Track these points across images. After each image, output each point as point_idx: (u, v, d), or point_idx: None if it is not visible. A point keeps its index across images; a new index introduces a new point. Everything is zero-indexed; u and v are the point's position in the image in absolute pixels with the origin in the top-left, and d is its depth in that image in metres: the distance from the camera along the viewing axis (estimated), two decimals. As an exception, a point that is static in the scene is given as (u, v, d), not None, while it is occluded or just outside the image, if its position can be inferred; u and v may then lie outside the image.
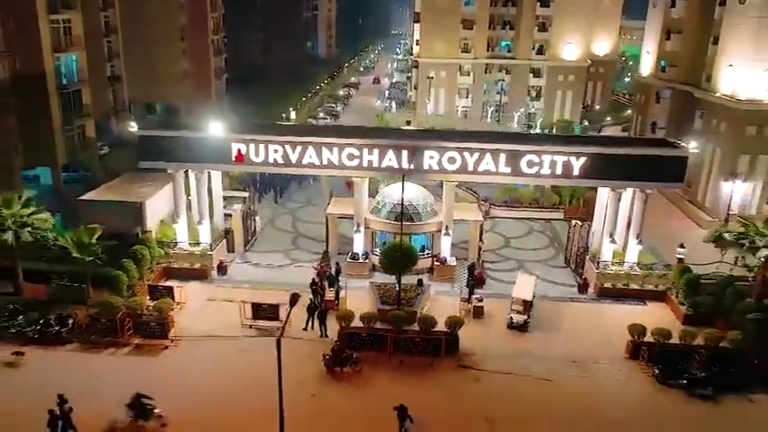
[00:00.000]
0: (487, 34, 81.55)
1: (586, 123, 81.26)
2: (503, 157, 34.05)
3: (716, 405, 26.91)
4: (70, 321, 30.63)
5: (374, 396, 26.88)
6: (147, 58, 77.68)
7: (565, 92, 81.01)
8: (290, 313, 20.90)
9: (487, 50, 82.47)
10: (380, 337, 29.92)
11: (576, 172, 34.16)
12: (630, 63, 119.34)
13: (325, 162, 34.98)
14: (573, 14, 78.19)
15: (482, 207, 42.36)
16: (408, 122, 55.13)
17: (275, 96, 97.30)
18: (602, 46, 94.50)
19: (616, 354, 30.13)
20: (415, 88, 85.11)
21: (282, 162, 35.28)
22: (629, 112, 78.95)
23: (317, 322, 31.02)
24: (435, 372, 28.68)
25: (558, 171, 34.20)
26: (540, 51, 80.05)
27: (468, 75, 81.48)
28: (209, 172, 37.55)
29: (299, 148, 34.79)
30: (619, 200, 35.52)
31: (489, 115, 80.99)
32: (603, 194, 36.74)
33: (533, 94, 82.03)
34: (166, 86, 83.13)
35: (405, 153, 34.38)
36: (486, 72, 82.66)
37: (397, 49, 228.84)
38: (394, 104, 71.76)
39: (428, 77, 75.37)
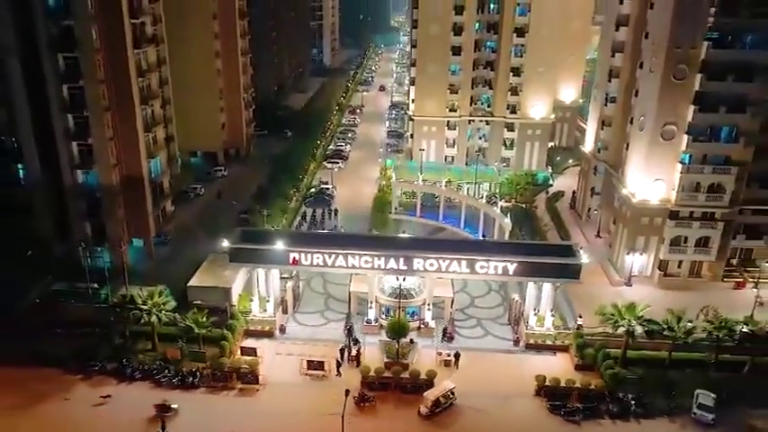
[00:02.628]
0: (471, 93, 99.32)
1: (550, 170, 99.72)
2: (464, 263, 53.51)
3: (579, 427, 46.89)
4: (198, 372, 50.50)
5: (383, 420, 46.99)
6: (191, 115, 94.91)
7: (533, 143, 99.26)
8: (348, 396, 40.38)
9: (471, 105, 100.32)
10: (386, 383, 49.83)
11: (511, 272, 53.71)
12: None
13: (350, 265, 54.48)
14: (540, 81, 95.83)
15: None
16: (403, 230, 73.17)
17: (295, 132, 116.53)
18: (569, 93, 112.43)
19: (528, 392, 49.96)
20: (411, 137, 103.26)
21: (322, 264, 54.74)
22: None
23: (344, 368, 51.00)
24: (418, 405, 48.50)
25: (500, 272, 53.74)
26: (513, 111, 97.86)
27: (454, 129, 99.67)
28: (272, 265, 56.97)
29: (333, 257, 54.18)
30: (540, 288, 54.94)
31: (474, 159, 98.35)
32: (531, 284, 55.94)
33: (508, 143, 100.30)
34: (207, 137, 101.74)
35: (401, 260, 53.80)
36: (469, 123, 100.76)
37: (397, 51, 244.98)
38: (394, 174, 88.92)
39: (420, 150, 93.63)
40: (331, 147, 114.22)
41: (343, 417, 38.53)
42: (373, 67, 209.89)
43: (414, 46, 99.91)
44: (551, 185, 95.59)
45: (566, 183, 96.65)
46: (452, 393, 48.34)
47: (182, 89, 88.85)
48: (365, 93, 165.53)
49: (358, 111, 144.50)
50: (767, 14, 56.35)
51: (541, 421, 47.47)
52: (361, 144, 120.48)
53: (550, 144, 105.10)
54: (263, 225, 69.81)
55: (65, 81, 60.67)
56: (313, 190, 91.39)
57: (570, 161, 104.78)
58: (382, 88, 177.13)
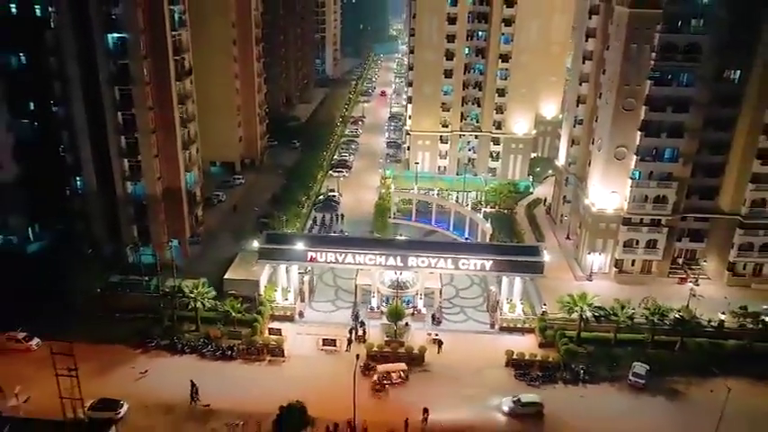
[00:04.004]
0: (461, 110, 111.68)
1: (531, 179, 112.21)
2: (449, 261, 66.07)
3: (537, 388, 59.32)
4: (235, 348, 62.88)
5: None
6: (212, 129, 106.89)
7: (516, 155, 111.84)
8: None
9: (461, 121, 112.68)
10: (386, 357, 62.27)
11: (487, 268, 66.23)
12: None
13: (356, 262, 67.03)
14: (522, 101, 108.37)
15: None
16: (400, 233, 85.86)
17: (303, 142, 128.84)
18: (549, 109, 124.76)
19: (499, 364, 62.43)
20: (408, 149, 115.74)
21: (334, 261, 67.33)
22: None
23: (352, 346, 63.47)
24: (412, 374, 60.84)
25: (479, 268, 66.32)
26: (499, 126, 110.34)
27: (446, 142, 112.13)
28: (293, 262, 69.50)
29: (343, 255, 66.70)
30: (512, 281, 67.42)
31: (463, 169, 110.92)
32: (505, 278, 68.39)
33: (494, 155, 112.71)
34: (225, 149, 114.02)
35: (399, 258, 66.30)
36: (459, 137, 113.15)
37: (396, 60, 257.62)
38: (393, 183, 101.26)
39: (415, 163, 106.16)
40: (336, 157, 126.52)
41: (354, 375, 50.95)
42: (373, 78, 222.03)
43: (411, 68, 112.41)
44: (531, 193, 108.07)
45: (545, 191, 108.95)
46: (404, 373, 59.51)
47: (204, 106, 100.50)
48: (366, 104, 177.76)
49: (360, 122, 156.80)
50: (697, 59, 68.91)
51: (509, 385, 59.90)
52: (362, 154, 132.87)
53: (533, 155, 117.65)
54: (281, 228, 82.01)
55: (120, 109, 72.84)
56: (321, 197, 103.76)
57: (549, 171, 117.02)
58: (383, 93, 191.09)
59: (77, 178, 77.72)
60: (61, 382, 50.53)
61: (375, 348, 62.93)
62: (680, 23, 68.76)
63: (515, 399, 56.32)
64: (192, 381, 56.33)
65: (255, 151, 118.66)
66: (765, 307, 68.27)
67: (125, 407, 54.40)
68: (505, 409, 56.08)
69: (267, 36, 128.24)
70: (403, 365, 60.26)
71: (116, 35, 70.11)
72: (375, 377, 59.01)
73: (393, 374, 59.27)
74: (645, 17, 68.15)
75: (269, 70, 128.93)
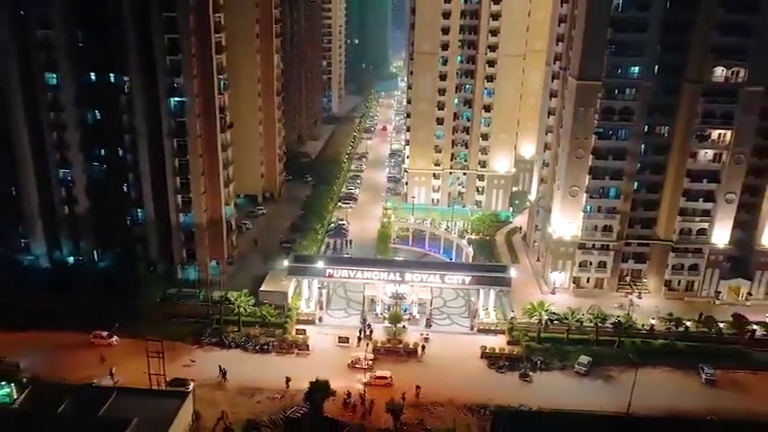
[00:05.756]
0: (451, 151, 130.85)
1: (512, 210, 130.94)
2: (437, 276, 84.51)
3: (504, 374, 77.19)
4: (270, 344, 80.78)
5: (385, 363, 77.23)
6: (239, 167, 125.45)
7: (498, 190, 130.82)
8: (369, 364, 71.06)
9: (451, 160, 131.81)
10: (388, 351, 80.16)
11: (467, 282, 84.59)
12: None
13: (366, 277, 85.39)
14: (503, 144, 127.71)
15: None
16: (399, 255, 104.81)
17: (314, 176, 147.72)
18: (528, 150, 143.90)
19: (476, 356, 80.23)
20: (406, 184, 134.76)
21: (347, 277, 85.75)
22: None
23: (362, 342, 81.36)
24: (408, 363, 78.75)
25: (460, 282, 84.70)
26: (483, 165, 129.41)
27: (439, 179, 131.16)
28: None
29: (354, 272, 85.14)
30: (487, 293, 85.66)
31: (453, 201, 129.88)
32: (482, 290, 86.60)
33: (480, 190, 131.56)
34: (249, 183, 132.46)
35: (398, 274, 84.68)
36: (450, 174, 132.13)
37: (396, 97, 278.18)
38: (393, 214, 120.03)
39: (412, 197, 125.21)
40: (344, 190, 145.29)
41: (365, 356, 69.03)
42: (375, 117, 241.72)
43: (408, 116, 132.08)
44: (511, 222, 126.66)
45: (523, 220, 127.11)
46: (371, 360, 76.63)
47: (233, 147, 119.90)
48: (369, 141, 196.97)
49: (364, 158, 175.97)
50: (630, 119, 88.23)
51: (482, 372, 77.89)
52: (366, 187, 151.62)
53: (514, 189, 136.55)
54: (302, 251, 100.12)
55: (176, 156, 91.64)
56: (333, 225, 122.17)
57: (527, 203, 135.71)
58: (384, 128, 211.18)
59: (138, 210, 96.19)
60: (142, 365, 68.55)
61: (379, 345, 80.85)
62: (617, 92, 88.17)
63: (372, 373, 73.82)
64: (219, 366, 74.53)
65: (274, 185, 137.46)
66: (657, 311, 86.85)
67: (191, 384, 72.09)
68: (364, 380, 73.23)
69: (284, 84, 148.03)
70: (371, 355, 77.37)
71: (177, 99, 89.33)
72: (349, 360, 76.03)
73: (362, 361, 76.27)
74: (589, 87, 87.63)
75: (285, 114, 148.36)
